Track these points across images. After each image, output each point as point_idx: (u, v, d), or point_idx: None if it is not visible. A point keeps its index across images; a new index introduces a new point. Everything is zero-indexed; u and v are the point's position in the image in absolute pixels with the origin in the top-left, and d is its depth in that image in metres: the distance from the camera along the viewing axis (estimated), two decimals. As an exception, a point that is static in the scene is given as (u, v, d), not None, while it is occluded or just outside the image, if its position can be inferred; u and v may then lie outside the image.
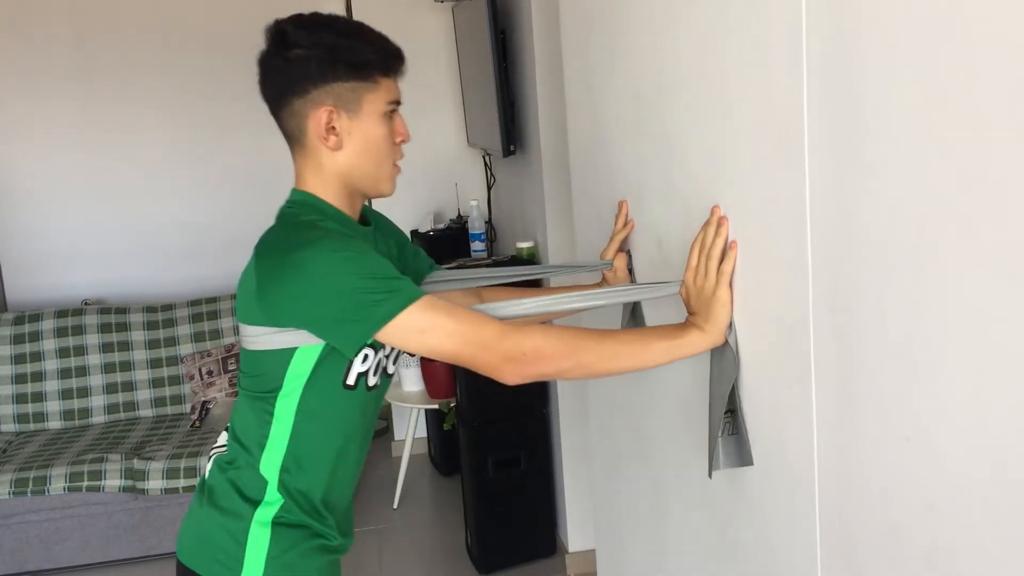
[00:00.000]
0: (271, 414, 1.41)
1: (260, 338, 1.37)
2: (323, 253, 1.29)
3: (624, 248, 1.68)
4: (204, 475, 1.53)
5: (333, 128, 1.37)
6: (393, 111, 1.41)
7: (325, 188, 1.41)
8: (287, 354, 1.37)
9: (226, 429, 1.54)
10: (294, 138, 1.41)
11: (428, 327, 1.28)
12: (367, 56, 1.37)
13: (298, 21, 1.37)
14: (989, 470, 0.79)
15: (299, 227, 1.36)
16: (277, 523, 1.43)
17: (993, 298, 0.75)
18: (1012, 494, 0.76)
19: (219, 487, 1.46)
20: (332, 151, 1.38)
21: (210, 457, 1.53)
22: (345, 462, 1.48)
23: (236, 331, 4.08)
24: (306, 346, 1.35)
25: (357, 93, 1.36)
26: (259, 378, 1.41)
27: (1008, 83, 0.71)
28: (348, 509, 1.56)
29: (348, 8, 4.24)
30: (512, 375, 1.28)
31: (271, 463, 1.42)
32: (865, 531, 1.01)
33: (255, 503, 1.43)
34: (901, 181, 0.87)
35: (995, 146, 0.73)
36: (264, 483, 1.43)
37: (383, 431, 4.56)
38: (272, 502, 1.43)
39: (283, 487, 1.43)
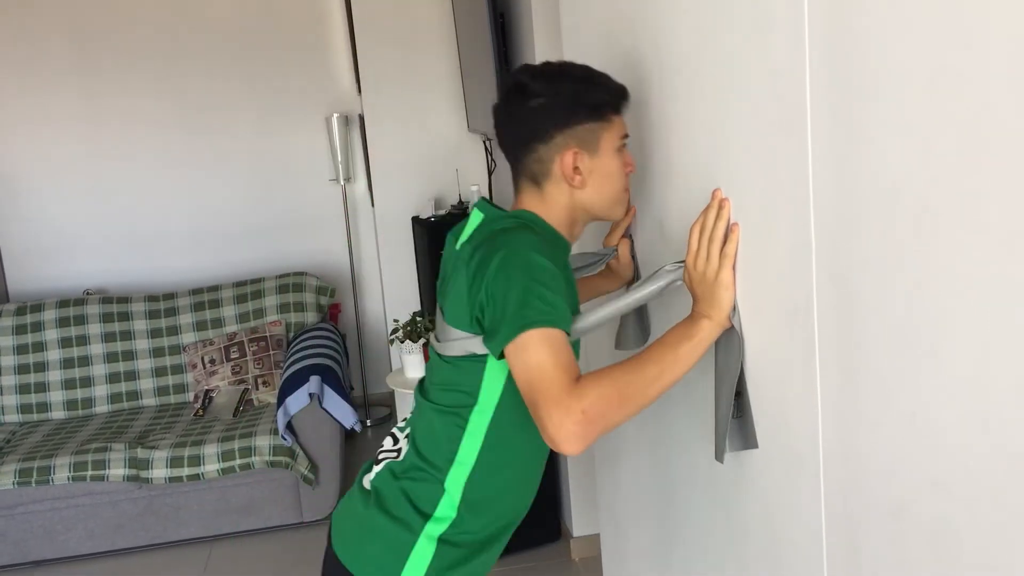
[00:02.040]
0: (463, 429, 1.42)
1: (462, 343, 1.38)
2: (522, 247, 1.32)
3: (627, 234, 1.68)
4: (370, 476, 1.52)
5: (578, 168, 1.42)
6: (624, 145, 1.47)
7: (549, 215, 1.46)
8: (481, 365, 1.38)
9: (391, 434, 1.55)
10: (536, 180, 1.46)
11: (526, 347, 1.25)
12: (602, 98, 1.43)
13: (534, 73, 1.46)
14: (992, 448, 0.78)
15: (514, 228, 1.39)
16: (443, 540, 1.44)
17: (996, 276, 0.75)
18: (1016, 472, 0.76)
19: (390, 494, 1.47)
20: (576, 189, 1.44)
21: (378, 460, 1.53)
22: (527, 482, 1.52)
23: (245, 315, 4.08)
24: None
25: (596, 133, 1.42)
26: (453, 391, 1.43)
27: (1010, 59, 0.70)
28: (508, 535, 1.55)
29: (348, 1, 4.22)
30: (577, 440, 1.20)
31: (457, 478, 1.43)
32: (869, 511, 1.01)
33: (427, 516, 1.44)
34: (903, 160, 0.86)
35: (997, 123, 0.73)
36: (441, 496, 1.43)
37: (386, 417, 4.57)
38: (443, 518, 1.43)
39: (464, 503, 1.43)
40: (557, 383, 1.22)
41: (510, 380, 1.37)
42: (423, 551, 1.43)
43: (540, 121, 1.42)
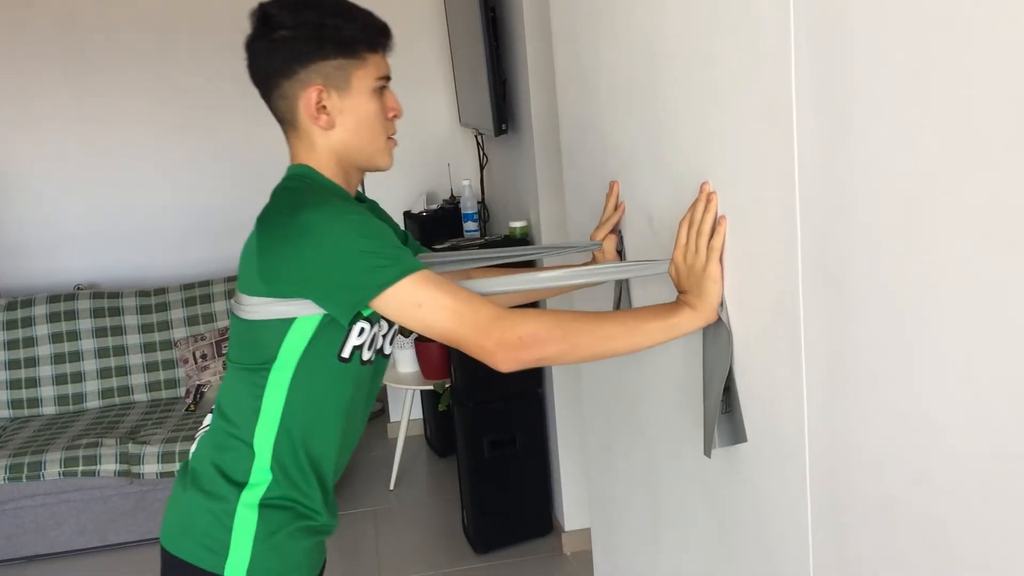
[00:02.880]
0: (263, 387, 1.39)
1: (259, 308, 1.36)
2: (329, 214, 1.29)
3: (615, 229, 1.67)
4: (188, 458, 1.51)
5: (324, 107, 1.37)
6: (383, 87, 1.41)
7: (321, 166, 1.41)
8: (284, 325, 1.36)
9: (211, 411, 1.52)
10: (286, 120, 1.41)
11: (424, 301, 1.27)
12: (353, 33, 1.37)
13: (281, 3, 1.37)
14: (978, 442, 0.79)
15: (302, 193, 1.36)
16: (264, 505, 1.41)
17: (982, 268, 0.75)
18: (1002, 465, 0.76)
19: (203, 471, 1.45)
20: (324, 130, 1.38)
21: (195, 438, 1.51)
22: (337, 436, 1.47)
23: (229, 307, 4.07)
24: (304, 317, 1.34)
25: (345, 71, 1.36)
26: (252, 350, 1.40)
27: (995, 52, 0.70)
28: (332, 488, 1.54)
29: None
30: (506, 361, 1.26)
31: (264, 436, 1.41)
32: (856, 504, 1.01)
33: (241, 485, 1.41)
34: (889, 153, 0.86)
35: (982, 117, 0.73)
36: (252, 460, 1.41)
37: (379, 413, 4.57)
38: (259, 483, 1.41)
39: (276, 461, 1.41)
40: (478, 313, 1.25)
41: (315, 337, 1.36)
42: (246, 520, 1.41)
43: (283, 55, 1.35)
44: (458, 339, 1.28)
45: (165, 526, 1.50)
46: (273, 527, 1.42)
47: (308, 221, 1.28)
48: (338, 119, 1.38)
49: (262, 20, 1.37)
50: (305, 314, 1.34)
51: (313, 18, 1.35)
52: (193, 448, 1.51)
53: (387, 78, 1.41)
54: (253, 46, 1.39)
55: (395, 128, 1.46)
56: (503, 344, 1.25)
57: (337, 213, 1.29)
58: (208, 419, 1.53)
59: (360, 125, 1.39)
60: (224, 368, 3.87)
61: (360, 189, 1.53)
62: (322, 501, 1.48)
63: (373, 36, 1.39)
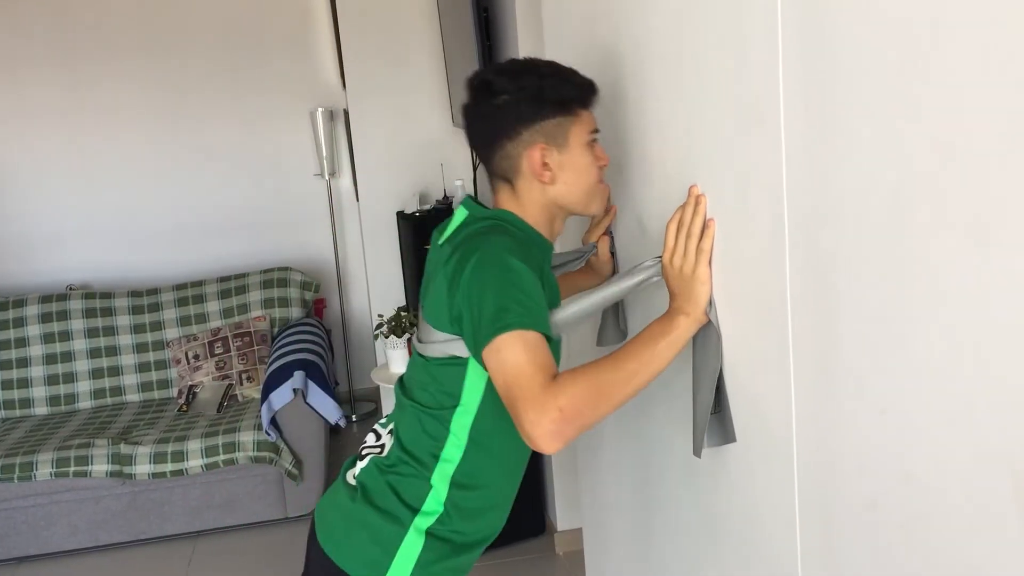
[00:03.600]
0: (447, 430, 1.42)
1: (445, 345, 1.39)
2: (496, 247, 1.33)
3: (607, 231, 1.68)
4: (355, 471, 1.52)
5: (546, 164, 1.42)
6: (594, 139, 1.46)
7: (528, 213, 1.46)
8: (463, 367, 1.39)
9: (373, 431, 1.55)
10: (506, 177, 1.46)
11: (501, 349, 1.26)
12: (568, 92, 1.43)
13: (499, 70, 1.46)
14: (963, 442, 0.79)
15: (492, 230, 1.39)
16: (431, 533, 1.44)
17: (967, 269, 0.75)
18: (986, 465, 0.76)
19: (376, 487, 1.47)
20: (546, 185, 1.43)
21: (362, 456, 1.53)
22: (511, 481, 1.52)
23: (230, 311, 4.07)
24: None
25: (563, 128, 1.42)
26: (435, 392, 1.43)
27: (981, 52, 0.71)
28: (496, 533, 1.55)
29: (330, -12, 4.20)
30: (554, 438, 1.21)
31: (443, 475, 1.43)
32: (843, 503, 1.01)
33: (415, 510, 1.43)
34: (876, 154, 0.86)
35: (968, 116, 0.73)
36: (428, 491, 1.43)
37: (371, 413, 4.57)
38: (431, 512, 1.43)
39: (450, 500, 1.43)
40: (534, 382, 1.23)
41: (491, 382, 1.36)
42: (412, 544, 1.43)
43: (506, 118, 1.42)
44: (507, 401, 1.27)
45: (326, 526, 1.51)
46: (434, 557, 1.44)
47: (479, 249, 1.33)
48: (559, 174, 1.43)
49: (484, 87, 1.44)
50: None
51: (532, 82, 1.41)
52: (363, 464, 1.51)
53: (596, 131, 1.47)
54: (476, 112, 1.46)
55: (604, 175, 1.51)
56: (551, 420, 1.21)
57: (504, 249, 1.32)
58: (371, 439, 1.54)
59: (577, 177, 1.44)
60: (216, 370, 3.86)
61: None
62: (486, 537, 1.51)
63: (585, 93, 1.45)
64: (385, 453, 1.49)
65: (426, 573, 1.44)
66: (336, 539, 1.48)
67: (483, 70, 1.49)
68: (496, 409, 1.38)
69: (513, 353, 1.25)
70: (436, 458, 1.43)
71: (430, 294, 1.41)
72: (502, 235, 1.37)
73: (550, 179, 1.43)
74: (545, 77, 1.43)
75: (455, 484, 1.43)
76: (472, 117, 1.47)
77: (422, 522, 1.43)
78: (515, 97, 1.41)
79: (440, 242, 1.46)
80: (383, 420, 1.56)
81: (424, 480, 1.44)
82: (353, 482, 1.51)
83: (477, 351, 1.31)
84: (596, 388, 1.24)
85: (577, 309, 1.41)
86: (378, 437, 1.53)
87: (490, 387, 1.38)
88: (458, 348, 1.38)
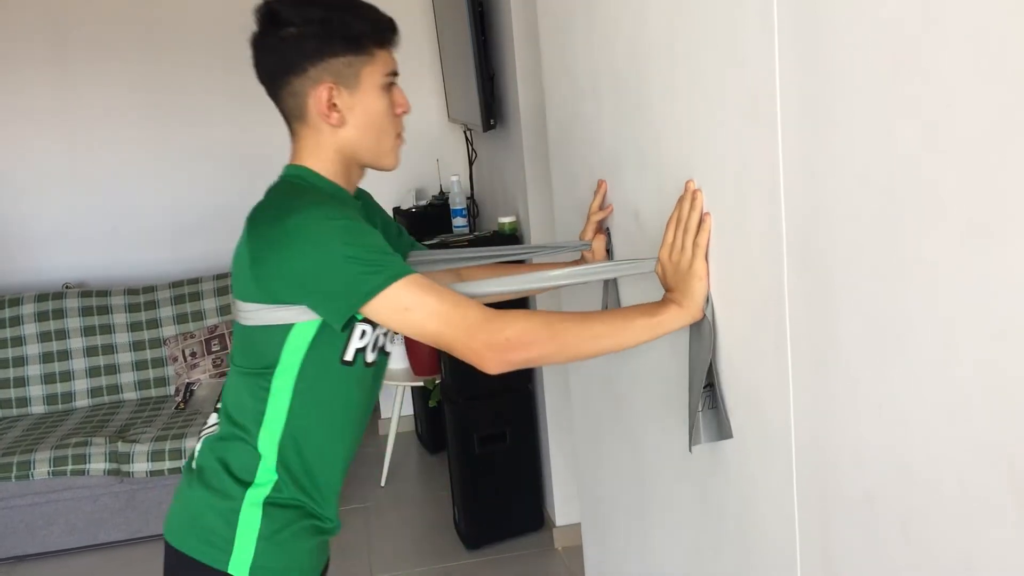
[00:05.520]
0: (267, 391, 1.39)
1: (256, 314, 1.36)
2: (316, 220, 1.28)
3: (602, 228, 1.68)
4: (193, 456, 1.51)
5: (335, 105, 1.36)
6: (391, 83, 1.40)
7: (323, 164, 1.40)
8: (284, 330, 1.35)
9: (216, 410, 1.52)
10: (295, 117, 1.40)
11: (412, 305, 1.26)
12: (361, 28, 1.35)
13: (287, 0, 1.35)
14: (959, 436, 0.79)
15: (294, 195, 1.35)
16: (269, 503, 1.41)
17: (963, 263, 0.75)
18: (983, 458, 0.76)
19: (209, 468, 1.45)
20: (335, 127, 1.37)
21: (200, 438, 1.51)
22: (343, 439, 1.47)
23: (227, 308, 4.06)
24: (303, 322, 1.34)
25: (355, 67, 1.35)
26: (254, 355, 1.40)
27: (975, 49, 0.70)
28: (339, 490, 1.54)
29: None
30: (494, 363, 1.26)
31: (269, 440, 1.41)
32: (841, 498, 1.01)
33: (246, 484, 1.41)
34: (873, 149, 0.86)
35: (962, 112, 0.73)
36: (258, 461, 1.41)
37: (369, 409, 4.56)
38: (264, 482, 1.41)
39: (281, 464, 1.41)
40: (468, 314, 1.25)
41: (316, 340, 1.35)
42: (250, 518, 1.41)
43: (292, 52, 1.34)
44: (446, 342, 1.28)
45: (170, 521, 1.49)
46: (277, 525, 1.42)
47: (295, 227, 1.28)
48: (348, 116, 1.36)
49: (269, 18, 1.35)
50: (302, 320, 1.34)
51: (320, 14, 1.34)
52: (198, 447, 1.50)
53: (395, 74, 1.40)
54: (260, 43, 1.37)
55: (403, 126, 1.45)
56: (491, 346, 1.25)
57: (324, 217, 1.28)
58: (212, 419, 1.52)
59: (370, 122, 1.38)
60: (214, 368, 3.86)
61: None
62: (327, 502, 1.48)
63: (381, 31, 1.38)
64: (217, 429, 1.47)
65: (274, 542, 1.41)
66: (178, 529, 1.46)
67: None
68: (317, 369, 1.37)
69: (420, 299, 1.26)
70: (259, 423, 1.40)
71: (234, 266, 1.38)
72: (306, 195, 1.34)
73: (338, 120, 1.36)
74: (336, 10, 1.35)
75: (283, 447, 1.40)
76: (258, 49, 1.38)
77: (256, 495, 1.41)
78: (302, 30, 1.33)
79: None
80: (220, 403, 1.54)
81: (251, 447, 1.41)
82: (194, 467, 1.49)
83: (342, 317, 1.29)
84: (552, 329, 1.26)
85: (569, 281, 1.42)
86: (218, 417, 1.50)
87: (312, 347, 1.36)
88: (280, 315, 1.34)
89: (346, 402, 1.44)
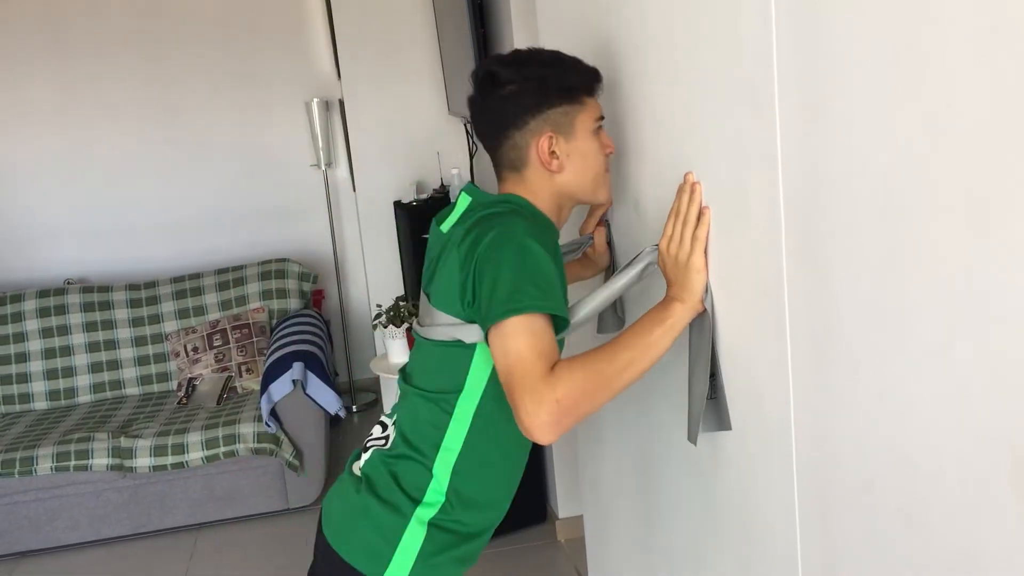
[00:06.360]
0: (450, 415, 1.41)
1: (449, 328, 1.38)
2: (514, 228, 1.32)
3: (603, 221, 1.68)
4: (356, 458, 1.53)
5: (554, 152, 1.42)
6: (599, 127, 1.46)
7: (535, 200, 1.45)
8: (469, 351, 1.38)
9: (380, 422, 1.54)
10: (513, 168, 1.46)
11: (507, 333, 1.25)
12: (573, 80, 1.43)
13: (503, 60, 1.46)
14: (958, 425, 0.79)
15: (519, 217, 1.37)
16: (433, 524, 1.43)
17: (963, 251, 0.75)
18: (983, 448, 0.76)
19: (379, 479, 1.46)
20: (554, 173, 1.44)
21: (366, 448, 1.52)
22: (514, 467, 1.51)
23: (228, 302, 4.06)
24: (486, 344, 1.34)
25: (570, 116, 1.42)
26: (441, 377, 1.42)
27: (973, 35, 0.70)
28: (496, 523, 1.55)
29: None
30: (549, 430, 1.22)
31: (445, 464, 1.42)
32: (841, 488, 1.01)
33: (416, 501, 1.43)
34: (871, 139, 0.86)
35: (960, 101, 0.72)
36: (429, 481, 1.43)
37: (372, 403, 4.57)
38: (433, 503, 1.43)
39: (452, 489, 1.43)
40: (533, 371, 1.22)
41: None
42: (414, 535, 1.42)
43: (512, 108, 1.42)
44: (506, 387, 1.26)
45: (331, 518, 1.51)
46: (437, 548, 1.43)
47: (498, 234, 1.31)
48: (567, 162, 1.43)
49: (489, 79, 1.44)
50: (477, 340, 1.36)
51: (536, 71, 1.42)
52: (366, 456, 1.51)
53: (602, 118, 1.47)
54: (482, 103, 1.46)
55: (609, 163, 1.51)
56: (543, 427, 1.22)
57: (525, 234, 1.31)
58: (377, 431, 1.53)
59: (585, 165, 1.45)
60: (215, 363, 3.86)
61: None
62: (485, 533, 1.50)
63: (589, 81, 1.45)
64: (389, 444, 1.49)
65: (429, 564, 1.43)
66: (340, 531, 1.48)
67: (487, 60, 1.49)
68: (501, 393, 1.36)
69: (517, 338, 1.25)
70: (437, 447, 1.42)
71: (438, 278, 1.40)
72: (518, 217, 1.37)
73: (558, 167, 1.43)
74: (549, 66, 1.43)
75: (456, 473, 1.42)
76: (478, 109, 1.48)
77: (424, 513, 1.43)
78: (521, 87, 1.41)
79: (444, 228, 1.45)
80: (388, 412, 1.56)
81: (426, 469, 1.43)
82: (358, 473, 1.51)
83: (485, 329, 1.30)
84: (593, 379, 1.24)
85: (589, 310, 1.41)
86: (384, 428, 1.53)
87: (496, 371, 1.36)
88: (463, 332, 1.37)
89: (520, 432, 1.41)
